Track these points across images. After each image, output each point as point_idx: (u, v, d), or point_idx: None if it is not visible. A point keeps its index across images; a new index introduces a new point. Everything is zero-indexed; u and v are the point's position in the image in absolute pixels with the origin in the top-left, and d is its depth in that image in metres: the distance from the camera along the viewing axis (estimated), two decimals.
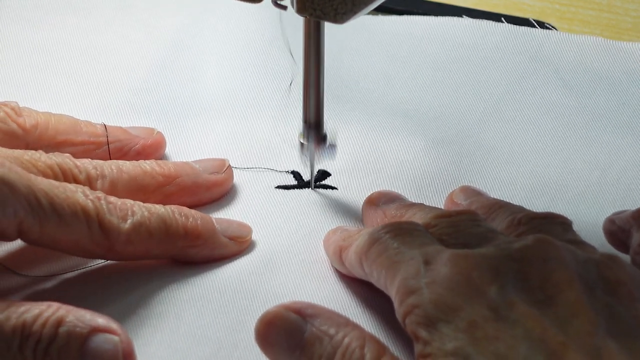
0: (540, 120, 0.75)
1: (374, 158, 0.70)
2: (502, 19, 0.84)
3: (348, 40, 0.82)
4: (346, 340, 0.50)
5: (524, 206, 0.60)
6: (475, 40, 0.82)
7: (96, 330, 0.50)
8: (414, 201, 0.64)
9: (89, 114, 0.70)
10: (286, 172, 0.69)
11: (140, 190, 0.63)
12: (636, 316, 0.49)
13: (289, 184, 0.68)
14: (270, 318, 0.52)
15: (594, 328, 0.47)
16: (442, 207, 0.65)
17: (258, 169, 0.69)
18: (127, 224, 0.57)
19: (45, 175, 0.58)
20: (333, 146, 0.65)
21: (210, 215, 0.62)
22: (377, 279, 0.54)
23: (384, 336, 0.56)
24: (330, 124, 0.65)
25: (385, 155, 0.70)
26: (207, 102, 0.75)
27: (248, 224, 0.62)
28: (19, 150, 0.60)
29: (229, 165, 0.67)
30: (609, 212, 0.62)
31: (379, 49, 0.81)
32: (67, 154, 0.61)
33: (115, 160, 0.64)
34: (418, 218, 0.58)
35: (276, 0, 0.59)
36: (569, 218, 0.57)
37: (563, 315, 0.48)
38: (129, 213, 0.57)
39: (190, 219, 0.60)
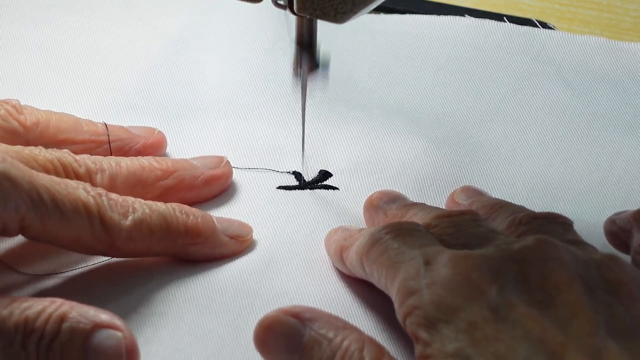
0: (542, 120, 0.75)
1: (375, 158, 0.70)
2: (505, 18, 0.84)
3: (348, 40, 0.82)
4: (345, 343, 0.50)
5: (525, 206, 0.60)
6: (478, 39, 0.82)
7: (99, 326, 0.50)
8: (415, 201, 0.64)
9: (90, 113, 0.70)
10: (287, 172, 0.69)
11: (139, 184, 0.62)
12: (637, 316, 0.49)
13: (290, 184, 0.68)
14: (268, 322, 0.52)
15: (594, 329, 0.47)
16: (444, 207, 0.65)
17: (259, 170, 0.69)
18: (128, 221, 0.57)
19: (45, 169, 0.58)
20: (326, 66, 0.63)
21: (212, 214, 0.62)
22: (378, 279, 0.54)
23: (384, 336, 0.56)
24: (323, 45, 0.63)
25: (387, 156, 0.70)
26: (209, 102, 0.75)
27: (249, 224, 0.62)
28: (19, 145, 0.60)
29: (227, 161, 0.67)
30: (610, 212, 0.62)
31: (380, 48, 0.81)
32: (66, 150, 0.61)
33: (113, 157, 0.64)
34: (419, 218, 0.58)
35: (276, 0, 0.59)
36: (570, 218, 0.57)
37: (563, 316, 0.48)
38: (130, 210, 0.57)
39: (191, 217, 0.60)
